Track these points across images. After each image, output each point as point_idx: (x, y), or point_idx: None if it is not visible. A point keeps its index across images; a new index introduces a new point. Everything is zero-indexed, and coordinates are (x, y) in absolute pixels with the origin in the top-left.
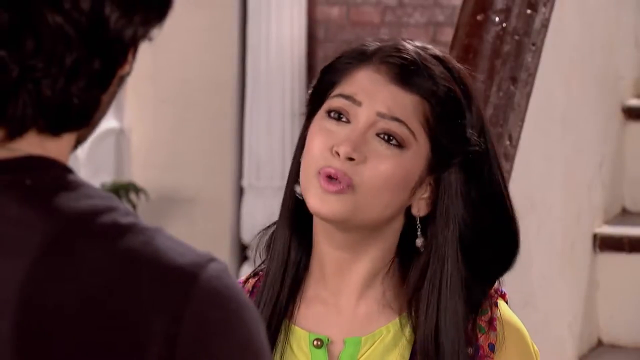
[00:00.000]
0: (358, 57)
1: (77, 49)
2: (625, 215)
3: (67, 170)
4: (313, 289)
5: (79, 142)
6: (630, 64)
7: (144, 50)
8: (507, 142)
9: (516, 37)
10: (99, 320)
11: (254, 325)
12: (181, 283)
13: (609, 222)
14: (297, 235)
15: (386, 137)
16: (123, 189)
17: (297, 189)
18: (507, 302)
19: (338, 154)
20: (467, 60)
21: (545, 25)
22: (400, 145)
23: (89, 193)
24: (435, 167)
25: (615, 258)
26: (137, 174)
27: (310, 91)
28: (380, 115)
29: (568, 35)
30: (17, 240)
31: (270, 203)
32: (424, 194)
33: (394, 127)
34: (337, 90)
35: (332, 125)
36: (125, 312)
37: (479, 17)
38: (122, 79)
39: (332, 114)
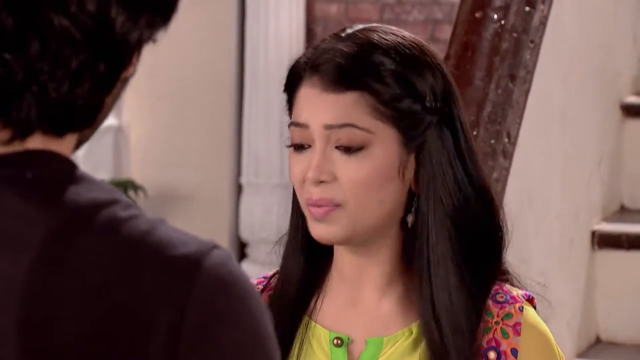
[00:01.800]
0: (295, 77)
1: (83, 52)
2: (623, 212)
3: (69, 163)
4: (336, 288)
5: (81, 141)
6: (629, 62)
7: (143, 47)
8: (506, 140)
9: (514, 35)
10: (103, 313)
11: (259, 313)
12: (184, 272)
13: (607, 219)
14: (310, 241)
15: (344, 148)
16: (121, 186)
17: None
18: (535, 307)
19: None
20: (466, 57)
21: (543, 22)
22: (359, 148)
23: (91, 186)
24: (411, 142)
25: (614, 255)
26: (135, 172)
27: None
28: (328, 127)
29: (566, 32)
30: (19, 234)
31: (268, 200)
32: (412, 170)
33: (346, 133)
34: (291, 117)
35: (298, 156)
36: (129, 304)
37: (477, 15)
38: (126, 81)
39: (295, 147)
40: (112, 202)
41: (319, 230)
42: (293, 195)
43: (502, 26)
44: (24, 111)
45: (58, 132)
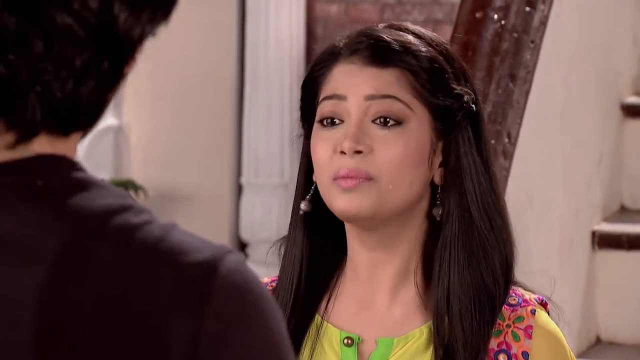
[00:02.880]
0: (329, 58)
1: (87, 50)
2: (623, 212)
3: (78, 168)
4: (347, 287)
5: (81, 138)
6: (629, 62)
7: (143, 47)
8: (506, 140)
9: (515, 35)
10: (121, 323)
11: (274, 318)
12: (200, 279)
13: (607, 219)
14: (314, 240)
15: (382, 120)
16: (121, 187)
17: (303, 206)
18: (548, 312)
19: (344, 153)
20: (466, 57)
21: (544, 22)
22: (399, 122)
23: (102, 191)
24: (442, 131)
25: (614, 255)
26: (135, 172)
27: (299, 112)
28: (370, 97)
29: (567, 32)
30: (32, 244)
31: (268, 200)
32: (439, 161)
33: (387, 105)
34: (320, 97)
35: (328, 132)
36: (147, 313)
37: (477, 15)
38: (125, 76)
39: (325, 122)
40: (125, 208)
41: (345, 203)
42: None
43: (502, 26)
44: (29, 112)
45: (63, 131)
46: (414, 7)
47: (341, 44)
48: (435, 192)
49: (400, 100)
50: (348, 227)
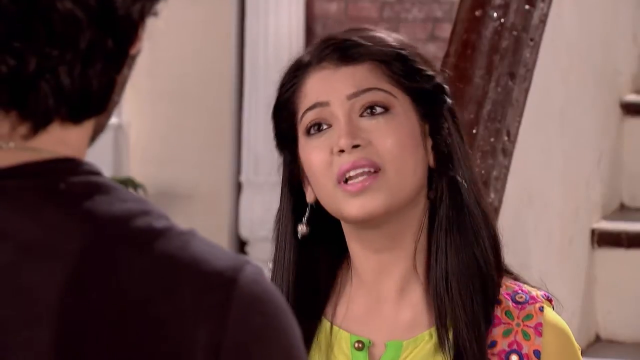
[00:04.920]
0: (297, 74)
1: (90, 32)
2: (623, 210)
3: (97, 173)
4: (354, 291)
5: (96, 132)
6: (629, 60)
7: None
8: (505, 138)
9: (514, 33)
10: (141, 329)
11: (291, 329)
12: (221, 288)
13: (607, 217)
14: (304, 252)
15: (370, 111)
16: (121, 185)
17: (301, 229)
18: (553, 308)
19: (342, 151)
20: (466, 55)
21: (543, 20)
22: (386, 108)
23: (122, 197)
24: (425, 114)
25: (613, 253)
26: (135, 170)
27: (275, 140)
28: (352, 95)
29: (566, 30)
30: (55, 246)
31: (268, 198)
32: (430, 143)
33: (370, 97)
34: (300, 112)
35: (318, 139)
36: (167, 319)
37: (477, 13)
38: (133, 59)
39: (312, 130)
40: (145, 213)
41: (357, 209)
42: (283, 196)
43: (501, 24)
44: (42, 101)
45: (75, 118)
46: (414, 5)
47: (307, 57)
48: (432, 177)
49: (381, 90)
50: (347, 228)
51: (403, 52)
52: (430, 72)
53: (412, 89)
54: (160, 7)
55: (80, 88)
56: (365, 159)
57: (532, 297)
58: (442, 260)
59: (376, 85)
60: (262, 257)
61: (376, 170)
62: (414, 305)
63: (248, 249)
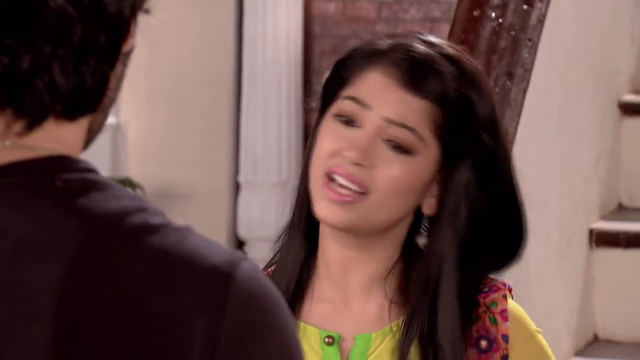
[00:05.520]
0: (369, 57)
1: (81, 28)
2: (621, 210)
3: (93, 170)
4: (320, 287)
5: (94, 131)
6: (627, 60)
7: (140, 45)
8: None
9: (512, 33)
10: (139, 324)
11: (288, 324)
12: (218, 283)
13: (605, 217)
14: (306, 236)
15: (393, 145)
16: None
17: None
18: (512, 297)
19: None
20: None
21: (541, 20)
22: (408, 151)
23: (118, 194)
24: (446, 166)
25: (612, 253)
26: (133, 170)
27: (323, 84)
28: (389, 121)
29: (564, 30)
30: (51, 243)
31: (266, 198)
32: (434, 192)
33: (402, 134)
34: (347, 91)
35: (341, 128)
36: (165, 314)
37: (475, 13)
38: (127, 56)
39: (341, 118)
40: (141, 210)
41: (328, 213)
42: (299, 191)
43: (500, 24)
44: (37, 97)
45: (70, 115)
46: (412, 5)
47: (384, 47)
48: (419, 214)
49: (417, 134)
50: (325, 226)
51: (466, 104)
52: (482, 138)
53: (449, 144)
54: (158, 7)
55: (75, 84)
56: (359, 179)
57: (495, 286)
58: (431, 314)
59: (415, 126)
60: (260, 257)
61: (363, 192)
62: (380, 298)
63: (246, 249)
